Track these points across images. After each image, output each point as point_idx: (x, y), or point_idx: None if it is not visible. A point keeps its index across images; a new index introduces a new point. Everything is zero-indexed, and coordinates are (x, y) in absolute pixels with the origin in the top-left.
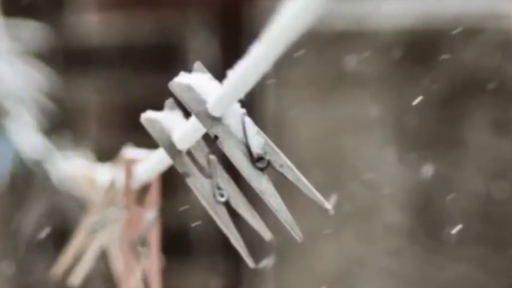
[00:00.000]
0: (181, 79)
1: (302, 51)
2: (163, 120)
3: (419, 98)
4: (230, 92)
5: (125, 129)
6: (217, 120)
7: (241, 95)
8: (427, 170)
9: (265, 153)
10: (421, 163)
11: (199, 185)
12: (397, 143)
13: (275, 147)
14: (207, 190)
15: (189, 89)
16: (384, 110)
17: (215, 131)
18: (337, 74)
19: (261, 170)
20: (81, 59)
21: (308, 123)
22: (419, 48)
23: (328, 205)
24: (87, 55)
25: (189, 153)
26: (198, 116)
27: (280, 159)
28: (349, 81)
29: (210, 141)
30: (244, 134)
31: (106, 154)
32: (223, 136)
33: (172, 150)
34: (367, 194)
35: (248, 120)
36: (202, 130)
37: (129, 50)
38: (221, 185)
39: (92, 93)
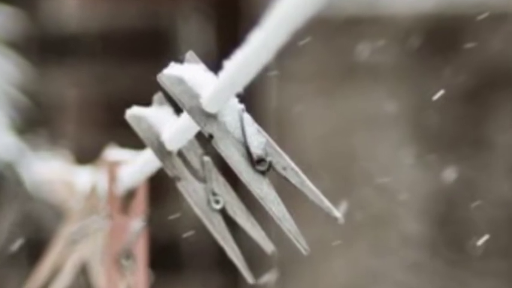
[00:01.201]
0: (172, 71)
1: (308, 39)
2: (151, 117)
3: (441, 92)
4: (227, 86)
5: (108, 128)
6: (212, 117)
7: (240, 88)
8: (449, 174)
9: (266, 154)
10: (442, 166)
11: (191, 190)
12: (416, 142)
13: (277, 148)
14: (200, 196)
15: (181, 81)
16: (400, 105)
17: (210, 129)
18: (347, 64)
19: (262, 173)
20: (59, 48)
21: (315, 121)
22: (441, 36)
23: (338, 213)
24: (65, 43)
25: (180, 154)
26: (190, 113)
27: (283, 161)
28: (361, 73)
29: (204, 140)
30: (242, 132)
31: (86, 155)
32: (219, 135)
33: (161, 151)
34: (381, 201)
35: (247, 117)
36: (195, 128)
37: (112, 37)
38: (216, 190)
39: (70, 86)
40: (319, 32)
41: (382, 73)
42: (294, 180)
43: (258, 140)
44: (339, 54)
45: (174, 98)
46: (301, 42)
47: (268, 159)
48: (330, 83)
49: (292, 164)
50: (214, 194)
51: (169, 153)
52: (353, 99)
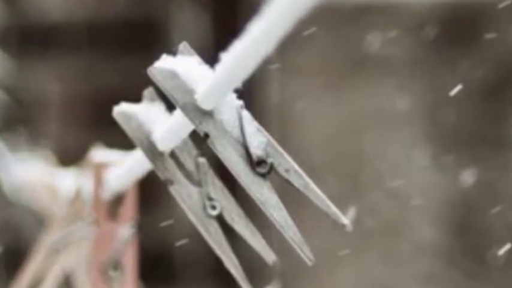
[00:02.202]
0: (164, 63)
1: (313, 29)
2: (141, 114)
3: (458, 87)
4: (224, 80)
5: (94, 126)
6: (207, 114)
7: (238, 83)
8: (468, 176)
9: (267, 155)
10: (459, 168)
11: (185, 195)
12: (431, 142)
13: (279, 148)
14: (195, 201)
15: (173, 75)
16: (414, 101)
17: (205, 127)
18: (356, 57)
19: (262, 175)
20: (40, 38)
21: (320, 118)
22: (458, 25)
23: (345, 219)
24: (48, 34)
25: (173, 155)
26: (184, 110)
27: (286, 163)
28: (371, 66)
29: (199, 140)
30: (241, 131)
31: (70, 156)
32: (215, 134)
33: (152, 151)
34: (393, 206)
35: (246, 115)
36: (190, 127)
37: (99, 27)
38: (213, 194)
39: (53, 81)
40: (325, 22)
41: (393, 66)
42: (297, 183)
43: (258, 139)
44: (346, 45)
45: (166, 93)
46: (306, 33)
47: (270, 160)
48: (336, 77)
49: (296, 166)
50: (210, 198)
51: (160, 154)
52: (362, 94)
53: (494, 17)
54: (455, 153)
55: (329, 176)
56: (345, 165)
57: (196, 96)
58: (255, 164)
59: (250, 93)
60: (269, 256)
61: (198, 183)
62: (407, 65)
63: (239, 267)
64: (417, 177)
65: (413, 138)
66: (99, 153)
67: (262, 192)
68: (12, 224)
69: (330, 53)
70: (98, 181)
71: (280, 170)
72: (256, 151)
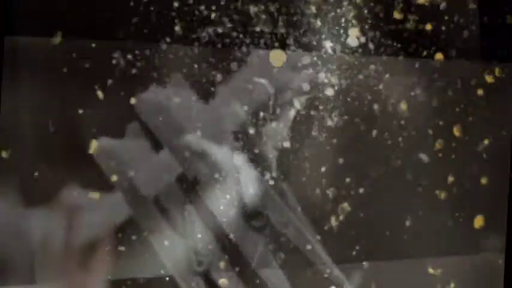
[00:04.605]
0: (152, 95)
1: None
2: (123, 152)
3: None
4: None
5: (66, 162)
6: (198, 155)
7: None
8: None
9: (265, 206)
10: None
11: (168, 247)
12: None
13: (278, 199)
14: (179, 254)
15: (162, 110)
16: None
17: (195, 170)
18: None
19: (258, 230)
20: None
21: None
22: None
23: (350, 285)
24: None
25: (157, 201)
26: (172, 150)
27: (284, 217)
28: None
29: (188, 185)
30: (236, 176)
31: (38, 196)
32: (205, 179)
33: (133, 195)
34: None
35: (242, 156)
36: (177, 170)
37: None
38: (200, 247)
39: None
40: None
41: None
42: (296, 241)
43: (254, 186)
44: None
45: (152, 129)
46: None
47: (266, 212)
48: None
49: (296, 221)
50: (197, 252)
51: (143, 198)
52: None
53: None
54: None
55: None
56: None
57: (186, 136)
58: (250, 216)
59: None
60: None
61: (184, 234)
62: None
63: None
64: None
65: None
66: (72, 194)
67: (257, 250)
68: None
69: None
70: (70, 226)
71: (278, 224)
72: (252, 201)
